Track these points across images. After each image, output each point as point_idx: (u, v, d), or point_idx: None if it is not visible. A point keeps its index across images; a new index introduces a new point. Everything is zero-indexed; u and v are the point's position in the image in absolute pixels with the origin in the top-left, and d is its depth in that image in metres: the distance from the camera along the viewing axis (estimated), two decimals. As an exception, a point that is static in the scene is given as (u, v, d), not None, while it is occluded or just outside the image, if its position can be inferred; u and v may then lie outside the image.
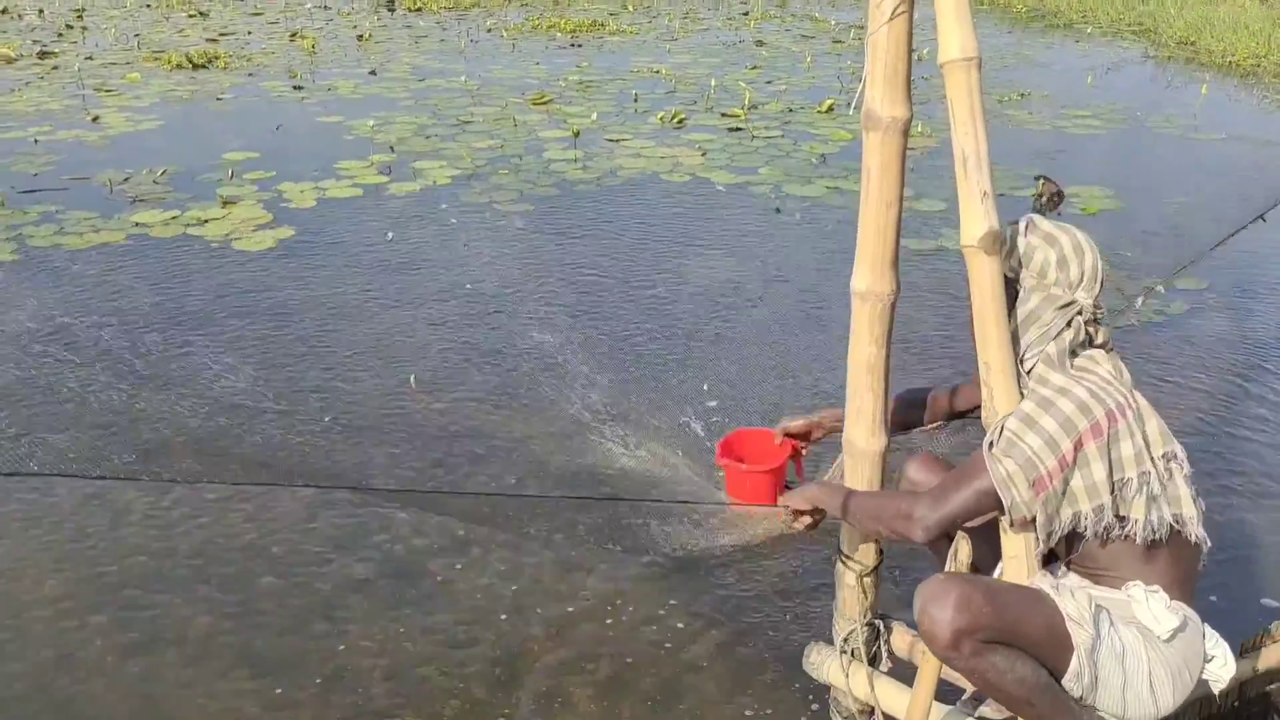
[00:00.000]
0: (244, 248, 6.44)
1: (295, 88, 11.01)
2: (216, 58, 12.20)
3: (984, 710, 2.31)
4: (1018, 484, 2.01)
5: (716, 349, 5.14)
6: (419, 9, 16.48)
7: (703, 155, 8.62)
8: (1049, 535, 2.05)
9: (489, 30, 14.68)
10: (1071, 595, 2.07)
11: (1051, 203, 7.48)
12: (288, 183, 7.65)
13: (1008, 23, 16.28)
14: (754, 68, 12.39)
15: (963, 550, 2.04)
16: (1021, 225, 2.19)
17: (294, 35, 13.95)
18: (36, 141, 8.86)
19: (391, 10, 16.44)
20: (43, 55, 12.65)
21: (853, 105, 2.30)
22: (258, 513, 3.86)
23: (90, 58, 12.64)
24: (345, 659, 3.16)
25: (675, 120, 9.73)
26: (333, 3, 16.73)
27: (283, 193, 7.45)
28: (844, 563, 2.54)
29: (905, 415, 2.58)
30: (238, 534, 3.75)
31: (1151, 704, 2.07)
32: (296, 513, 3.87)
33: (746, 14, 16.33)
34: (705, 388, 4.68)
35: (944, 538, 2.19)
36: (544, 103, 10.41)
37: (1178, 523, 2.05)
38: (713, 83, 11.27)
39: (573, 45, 13.78)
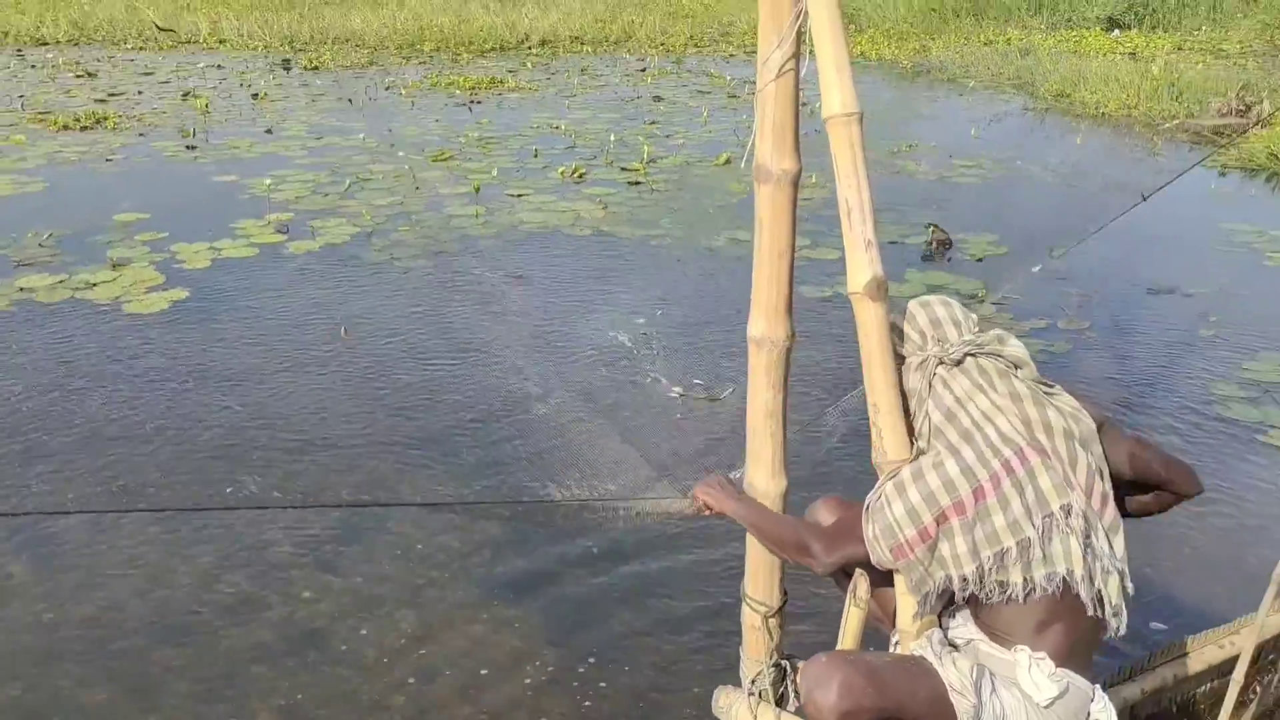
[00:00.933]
0: (135, 310, 6.29)
1: (188, 147, 10.83)
2: (105, 118, 11.95)
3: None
4: (881, 546, 2.11)
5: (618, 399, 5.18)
6: (315, 67, 16.39)
7: (604, 209, 8.72)
8: (924, 597, 2.13)
9: (387, 88, 14.67)
10: (954, 662, 2.13)
11: (940, 249, 7.72)
12: (181, 243, 7.50)
13: (895, 77, 16.86)
14: (652, 123, 12.60)
15: (861, 587, 2.09)
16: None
17: (186, 95, 13.75)
18: (-86, 206, 8.55)
19: (288, 69, 16.31)
20: (-80, 117, 12.22)
21: (744, 159, 2.36)
22: (152, 583, 3.75)
23: (-29, 119, 12.26)
24: (247, 729, 3.08)
25: (576, 175, 9.83)
26: (227, 62, 16.53)
27: (176, 253, 7.30)
28: (749, 605, 2.57)
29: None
30: (131, 605, 3.63)
31: None
32: (192, 580, 3.76)
33: (644, 70, 16.62)
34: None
35: (843, 572, 2.24)
36: (444, 159, 10.43)
37: (1052, 581, 2.07)
38: (612, 138, 11.43)
39: (472, 102, 13.85)
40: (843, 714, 2.02)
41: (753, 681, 2.62)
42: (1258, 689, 3.07)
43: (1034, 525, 2.05)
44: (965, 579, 2.07)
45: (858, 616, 2.13)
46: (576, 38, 19.50)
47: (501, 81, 15.35)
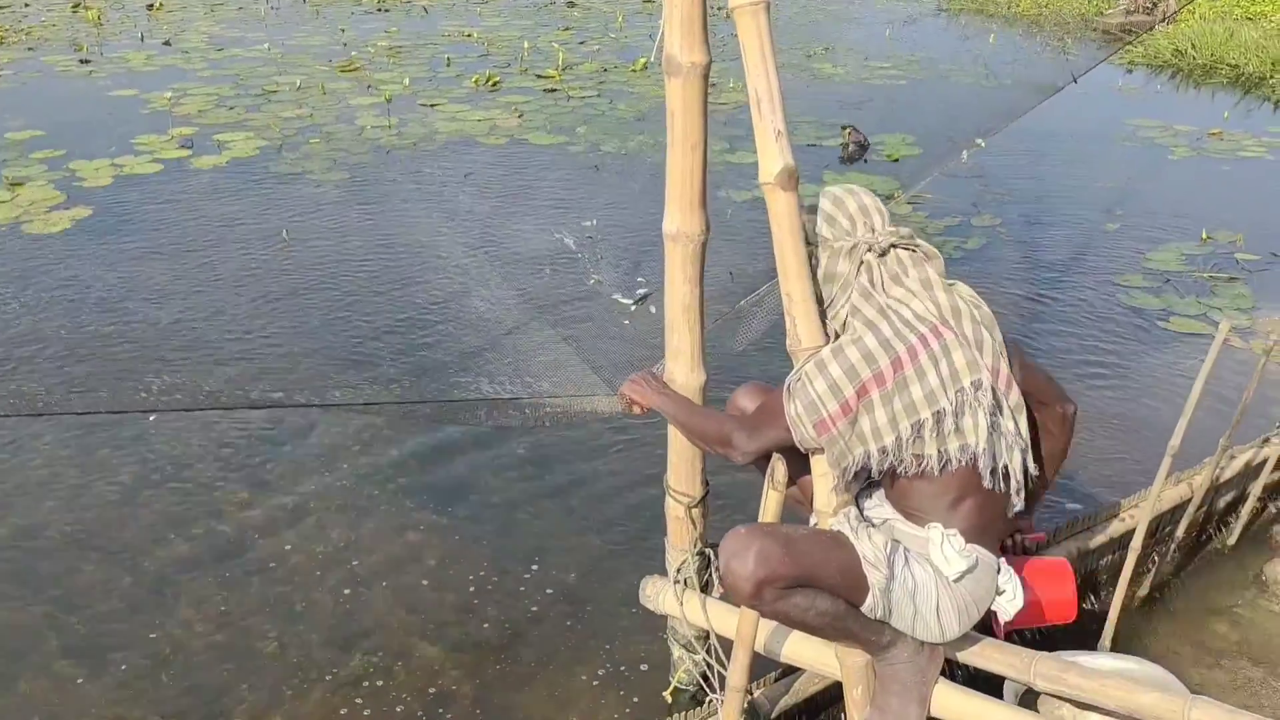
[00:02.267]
0: (36, 230, 6.07)
1: (82, 61, 10.36)
2: (-10, 32, 11.36)
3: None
4: (805, 423, 2.15)
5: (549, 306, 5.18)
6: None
7: (519, 117, 8.58)
8: (843, 471, 2.18)
9: (290, -3, 14.15)
10: (869, 536, 2.20)
11: (857, 151, 7.75)
12: (80, 161, 7.23)
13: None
14: (566, 29, 12.37)
15: (779, 471, 2.14)
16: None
17: (76, 6, 13.11)
18: None
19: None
20: None
21: (653, 53, 2.34)
22: (71, 501, 3.70)
23: None
24: (178, 639, 3.09)
25: (490, 83, 9.64)
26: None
27: (75, 171, 7.04)
28: (672, 496, 2.63)
29: None
30: (51, 522, 3.59)
31: (938, 631, 2.25)
32: (114, 497, 3.72)
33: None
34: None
35: (764, 457, 2.30)
36: (353, 70, 10.14)
37: (964, 453, 2.14)
38: (525, 45, 11.20)
39: (380, 10, 13.43)
40: (758, 581, 2.08)
41: (678, 570, 2.69)
42: (1155, 559, 3.25)
43: (948, 398, 2.12)
44: (884, 450, 2.13)
45: (776, 500, 2.19)
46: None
47: (409, -13, 14.86)
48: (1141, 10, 12.21)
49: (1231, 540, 3.46)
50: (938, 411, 2.13)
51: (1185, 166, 7.61)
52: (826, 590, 2.15)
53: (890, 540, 2.21)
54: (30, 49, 10.92)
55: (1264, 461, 3.40)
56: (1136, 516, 2.97)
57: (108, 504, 3.70)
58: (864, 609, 2.18)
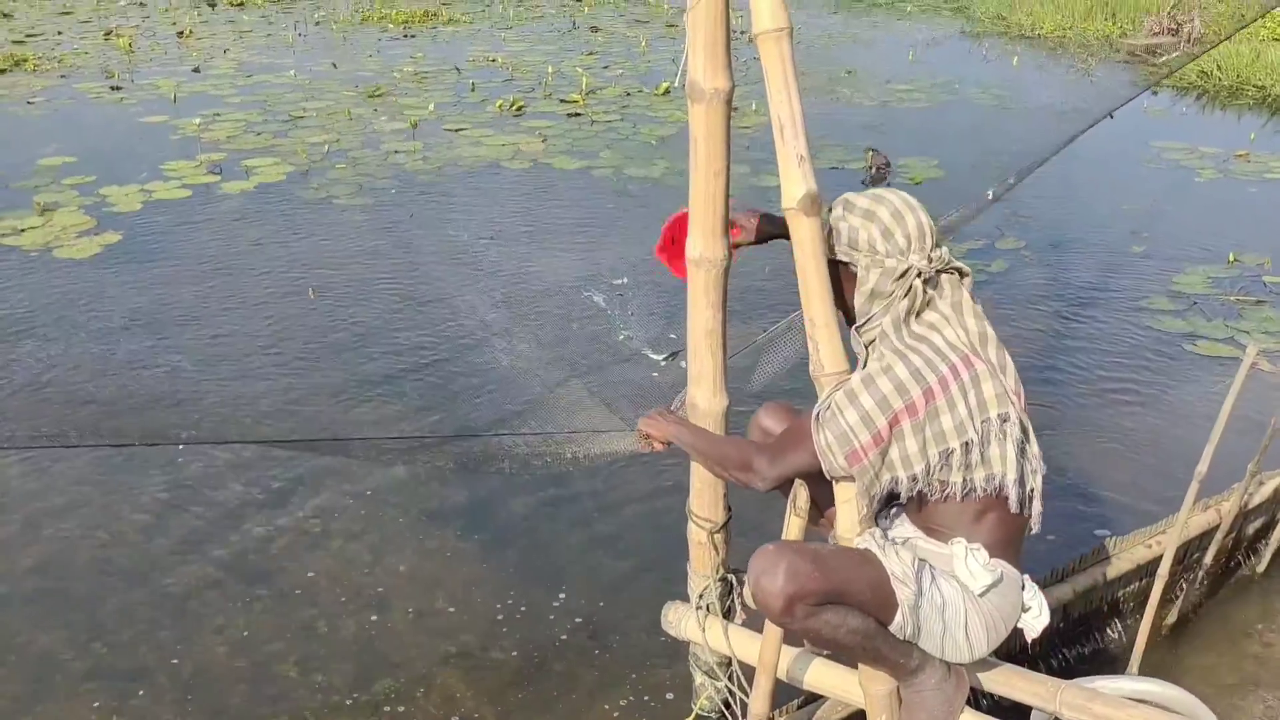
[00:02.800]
0: (67, 255, 6.15)
1: (113, 88, 10.52)
2: (24, 60, 11.54)
3: (830, 648, 2.43)
4: (836, 454, 2.12)
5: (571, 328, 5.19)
6: (241, 3, 15.92)
7: (543, 141, 8.64)
8: (870, 498, 2.17)
9: (317, 23, 14.32)
10: (897, 553, 2.19)
11: (880, 174, 7.76)
12: (111, 186, 7.33)
13: (832, 4, 16.77)
14: (590, 53, 12.45)
15: (800, 496, 2.14)
16: (838, 209, 2.21)
17: (109, 34, 13.31)
18: None
19: (213, 5, 15.82)
20: None
21: (677, 79, 2.35)
22: (97, 526, 3.73)
23: (-119, 64, 11.79)
24: (200, 662, 3.10)
25: (514, 108, 9.71)
26: (149, 0, 16.00)
27: (106, 197, 7.14)
28: (694, 521, 2.62)
29: None
30: (79, 548, 3.62)
31: (967, 650, 2.23)
32: (139, 522, 3.75)
33: (580, 0, 16.38)
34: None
35: (786, 482, 2.29)
36: (379, 95, 10.24)
37: (990, 483, 2.14)
38: (549, 69, 11.28)
39: (406, 36, 13.57)
40: (789, 597, 2.07)
41: (700, 596, 2.68)
42: (1183, 586, 3.21)
43: (975, 429, 2.11)
44: (914, 478, 2.12)
45: (798, 525, 2.19)
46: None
47: (435, 14, 15.04)
48: (1167, 31, 12.17)
49: (1261, 567, 3.42)
50: (966, 442, 2.11)
51: (1212, 188, 7.56)
52: (856, 608, 2.14)
53: (916, 558, 2.20)
54: (63, 76, 11.09)
55: (1293, 487, 3.37)
56: (1164, 543, 2.94)
57: (133, 528, 3.73)
58: (893, 628, 2.16)
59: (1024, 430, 2.17)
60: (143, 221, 6.75)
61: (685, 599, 2.75)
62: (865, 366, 2.18)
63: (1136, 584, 3.12)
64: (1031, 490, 2.21)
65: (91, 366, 4.83)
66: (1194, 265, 6.00)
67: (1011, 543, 2.26)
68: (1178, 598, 3.19)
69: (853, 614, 2.14)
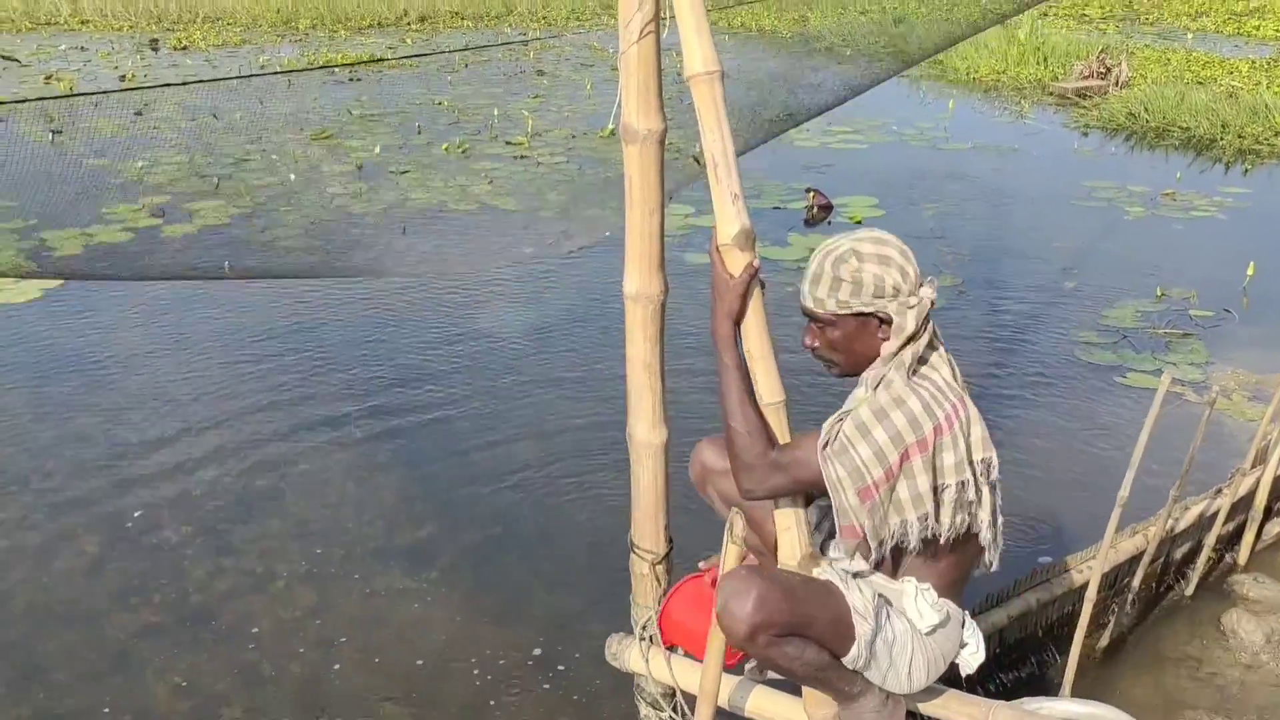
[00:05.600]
0: (5, 300, 6.08)
1: (54, 132, 10.42)
2: (-39, 103, 11.43)
3: (772, 674, 2.47)
4: (846, 490, 2.10)
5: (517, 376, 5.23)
6: (185, 47, 15.86)
7: (489, 184, 8.70)
8: (879, 543, 2.15)
9: (262, 66, 14.31)
10: (860, 588, 2.24)
11: (821, 213, 7.87)
12: (51, 230, 7.25)
13: (775, 47, 17.08)
14: (536, 96, 12.57)
15: (738, 525, 2.18)
16: (851, 261, 2.13)
17: (49, 78, 13.20)
18: None
19: (155, 50, 15.75)
20: None
21: (611, 120, 2.42)
22: (36, 570, 3.68)
23: None
24: (142, 706, 3.06)
25: (460, 150, 9.78)
26: (90, 44, 15.89)
27: (46, 241, 7.06)
28: (636, 553, 2.66)
29: None
30: (16, 593, 3.56)
31: (907, 683, 2.30)
32: (79, 566, 3.71)
33: (526, 44, 16.53)
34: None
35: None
36: (325, 138, 10.25)
37: (961, 526, 2.17)
38: (496, 112, 11.37)
39: (351, 80, 13.61)
40: (754, 625, 2.10)
41: (643, 627, 2.71)
42: (1114, 609, 3.30)
43: (969, 470, 2.14)
44: (921, 519, 2.12)
45: (735, 554, 2.23)
46: (456, 13, 19.27)
47: (381, 58, 15.10)
48: (1096, 75, 12.57)
49: (1189, 590, 3.52)
50: (962, 482, 2.13)
51: (1140, 226, 7.80)
52: (814, 640, 2.18)
53: (875, 593, 2.25)
54: (1, 120, 10.97)
55: (1216, 512, 3.48)
56: (1094, 567, 3.02)
57: (73, 572, 3.68)
58: (846, 660, 2.22)
59: (999, 476, 2.22)
60: (84, 265, 6.69)
61: (629, 631, 2.78)
62: (869, 400, 2.13)
63: (1069, 608, 3.20)
64: (997, 534, 2.26)
65: (31, 411, 4.77)
66: (1124, 300, 6.18)
67: (960, 581, 2.33)
68: (1109, 622, 3.27)
69: (810, 647, 2.19)
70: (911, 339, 2.13)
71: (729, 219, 2.20)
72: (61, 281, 6.40)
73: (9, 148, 9.74)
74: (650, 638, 2.70)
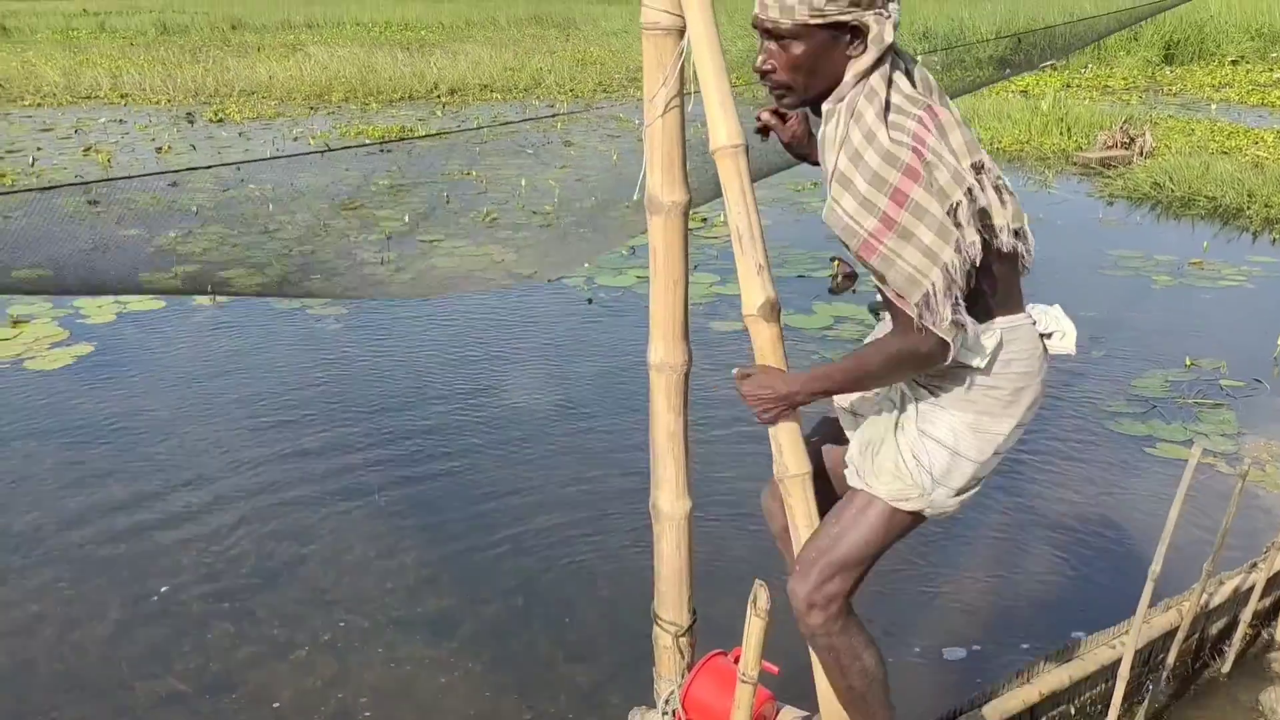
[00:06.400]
0: (38, 367, 6.17)
1: (90, 203, 10.64)
2: (2, 175, 11.70)
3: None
4: (852, 245, 1.99)
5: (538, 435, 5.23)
6: (220, 120, 16.23)
7: (517, 252, 8.79)
8: (925, 296, 1.94)
9: (295, 139, 14.60)
10: (896, 467, 2.18)
11: (845, 282, 7.85)
12: (84, 299, 7.38)
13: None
14: (563, 166, 12.75)
15: (761, 598, 2.16)
16: None
17: (88, 150, 13.52)
18: None
19: (192, 122, 16.13)
20: None
21: (636, 192, 2.45)
22: (60, 639, 3.68)
23: None
24: (161, 779, 3.04)
25: (488, 219, 9.90)
26: (129, 116, 16.29)
27: (80, 309, 7.19)
28: (659, 625, 2.63)
29: None
30: (40, 661, 3.56)
31: (977, 466, 2.29)
32: (103, 633, 3.71)
33: (554, 116, 16.81)
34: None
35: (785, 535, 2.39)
36: (354, 208, 10.42)
37: (990, 232, 2.01)
38: (523, 182, 11.53)
39: (382, 150, 13.86)
40: (815, 596, 2.24)
41: (666, 701, 2.67)
42: (1149, 687, 3.23)
43: (969, 177, 1.96)
44: (958, 245, 1.93)
45: (759, 627, 2.20)
46: (486, 86, 19.62)
47: (411, 130, 15.39)
48: (1120, 145, 12.62)
49: (1226, 668, 3.44)
50: (968, 190, 1.94)
51: (1168, 295, 7.76)
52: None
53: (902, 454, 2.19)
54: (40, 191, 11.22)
55: (1252, 587, 3.41)
56: (1126, 643, 2.96)
57: (97, 640, 3.68)
58: (928, 512, 2.22)
59: (998, 175, 2.05)
60: (116, 332, 6.80)
61: (651, 703, 2.74)
62: (844, 147, 1.96)
63: (1101, 686, 3.13)
64: (1020, 229, 2.11)
65: (58, 478, 4.81)
66: (1152, 369, 6.13)
67: (1008, 293, 2.17)
68: (1144, 699, 3.20)
69: (870, 652, 2.26)
70: (878, 62, 1.95)
71: (754, 289, 2.22)
72: (92, 347, 6.46)
73: (47, 219, 9.99)
74: (673, 713, 2.65)
